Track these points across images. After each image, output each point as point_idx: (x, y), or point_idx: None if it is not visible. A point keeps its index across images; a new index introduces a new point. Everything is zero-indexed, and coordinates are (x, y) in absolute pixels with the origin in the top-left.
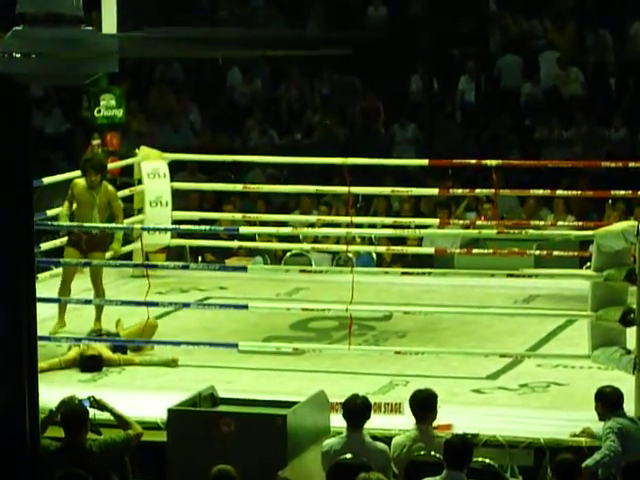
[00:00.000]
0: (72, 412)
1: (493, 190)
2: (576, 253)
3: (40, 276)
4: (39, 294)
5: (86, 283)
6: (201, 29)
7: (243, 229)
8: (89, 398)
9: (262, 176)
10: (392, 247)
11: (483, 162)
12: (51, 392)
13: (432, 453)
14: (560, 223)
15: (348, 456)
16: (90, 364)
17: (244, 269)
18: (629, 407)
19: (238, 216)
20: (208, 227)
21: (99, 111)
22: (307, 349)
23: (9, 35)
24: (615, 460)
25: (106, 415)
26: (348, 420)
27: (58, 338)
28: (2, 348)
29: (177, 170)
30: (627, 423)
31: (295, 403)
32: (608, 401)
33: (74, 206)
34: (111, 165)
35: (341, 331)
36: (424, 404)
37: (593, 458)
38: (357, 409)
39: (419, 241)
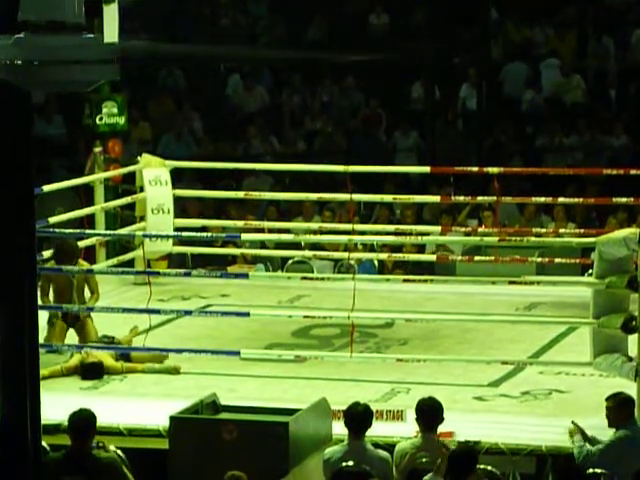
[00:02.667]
0: (80, 418)
1: (495, 198)
2: (578, 260)
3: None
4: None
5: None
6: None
7: (245, 236)
8: (98, 443)
9: (266, 184)
10: (394, 254)
11: (485, 169)
12: (53, 399)
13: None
14: (562, 230)
15: (350, 463)
16: (91, 372)
17: (246, 276)
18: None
19: (240, 223)
20: (210, 234)
21: (101, 118)
22: (309, 356)
23: (11, 42)
24: (589, 463)
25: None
26: (349, 428)
27: (60, 346)
28: (4, 355)
29: (178, 178)
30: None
31: (297, 410)
32: (627, 409)
33: (51, 292)
34: (113, 172)
35: (343, 338)
36: (430, 413)
37: (580, 447)
38: (358, 417)
39: (420, 248)
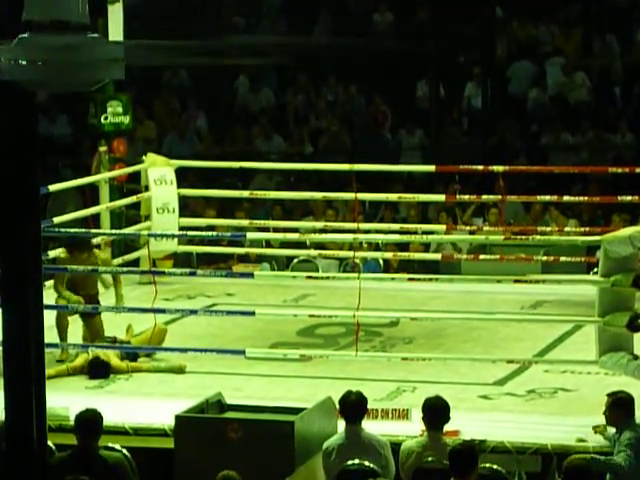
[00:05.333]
0: (87, 417)
1: (500, 196)
2: (583, 259)
3: (47, 283)
4: (46, 301)
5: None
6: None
7: (250, 235)
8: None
9: (270, 183)
10: (399, 253)
11: (490, 168)
12: (58, 399)
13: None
14: (567, 229)
15: (356, 461)
16: (97, 371)
17: (251, 275)
18: (637, 413)
19: (245, 222)
20: (215, 233)
21: (106, 118)
22: (314, 355)
23: (15, 42)
24: (625, 472)
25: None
26: (344, 416)
27: (65, 345)
28: (10, 354)
29: (182, 177)
30: None
31: (302, 409)
32: (627, 408)
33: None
34: (118, 172)
35: (348, 337)
36: (437, 412)
37: (600, 458)
38: (352, 404)
39: (425, 247)
